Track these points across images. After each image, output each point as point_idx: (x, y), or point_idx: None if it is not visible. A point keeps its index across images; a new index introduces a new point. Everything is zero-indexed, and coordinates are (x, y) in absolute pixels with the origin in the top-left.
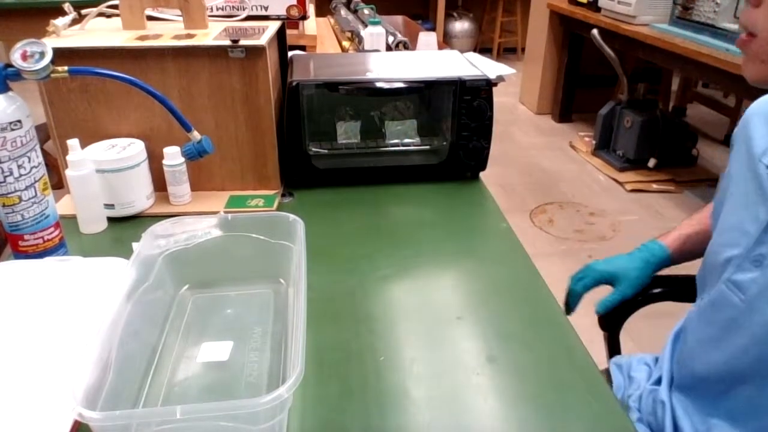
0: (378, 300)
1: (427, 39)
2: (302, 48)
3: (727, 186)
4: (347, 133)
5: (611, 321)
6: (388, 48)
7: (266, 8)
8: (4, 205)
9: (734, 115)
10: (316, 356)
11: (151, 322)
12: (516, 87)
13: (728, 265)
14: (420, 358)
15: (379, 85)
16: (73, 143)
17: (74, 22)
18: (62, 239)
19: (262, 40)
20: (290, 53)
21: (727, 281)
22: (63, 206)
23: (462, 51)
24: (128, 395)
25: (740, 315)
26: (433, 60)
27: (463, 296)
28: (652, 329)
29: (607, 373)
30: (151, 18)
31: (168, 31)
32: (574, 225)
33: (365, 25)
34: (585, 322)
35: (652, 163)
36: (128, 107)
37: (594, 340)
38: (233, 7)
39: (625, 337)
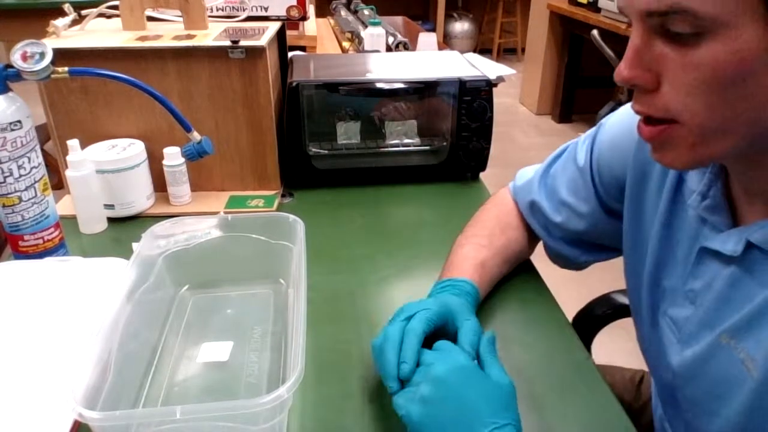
0: (378, 300)
1: (427, 40)
2: (302, 49)
3: (634, 209)
4: (347, 133)
5: (582, 332)
6: (388, 48)
7: (266, 9)
8: (4, 206)
9: None
10: (316, 357)
11: (151, 323)
12: (516, 88)
13: (663, 296)
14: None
15: (379, 85)
16: (73, 144)
17: (74, 22)
18: (62, 239)
19: (262, 41)
20: (290, 54)
21: (665, 315)
22: (63, 206)
23: (462, 52)
24: (128, 395)
25: (673, 345)
26: (433, 60)
27: None
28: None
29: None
30: (151, 19)
31: (168, 31)
32: None
33: (365, 26)
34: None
35: None
36: (128, 108)
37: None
38: (233, 7)
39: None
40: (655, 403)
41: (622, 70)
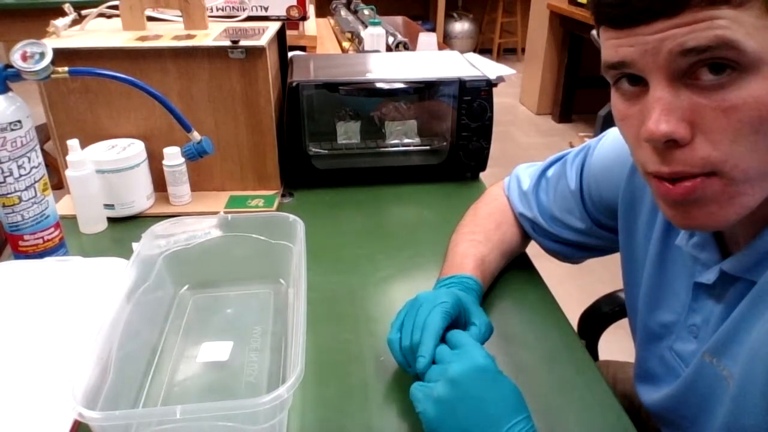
0: (378, 300)
1: (427, 39)
2: (302, 48)
3: (630, 244)
4: (347, 133)
5: (589, 330)
6: (388, 48)
7: (266, 9)
8: (4, 206)
9: None
10: (316, 356)
11: (151, 322)
12: (516, 87)
13: (666, 331)
14: None
15: (379, 85)
16: (73, 143)
17: (74, 22)
18: (62, 239)
19: (262, 41)
20: (290, 54)
21: (670, 349)
22: (63, 206)
23: (462, 52)
24: (128, 395)
25: (686, 386)
26: (433, 60)
27: None
28: None
29: None
30: (151, 18)
31: (168, 31)
32: None
33: (365, 26)
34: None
35: None
36: (128, 108)
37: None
38: (233, 7)
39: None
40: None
41: (658, 126)
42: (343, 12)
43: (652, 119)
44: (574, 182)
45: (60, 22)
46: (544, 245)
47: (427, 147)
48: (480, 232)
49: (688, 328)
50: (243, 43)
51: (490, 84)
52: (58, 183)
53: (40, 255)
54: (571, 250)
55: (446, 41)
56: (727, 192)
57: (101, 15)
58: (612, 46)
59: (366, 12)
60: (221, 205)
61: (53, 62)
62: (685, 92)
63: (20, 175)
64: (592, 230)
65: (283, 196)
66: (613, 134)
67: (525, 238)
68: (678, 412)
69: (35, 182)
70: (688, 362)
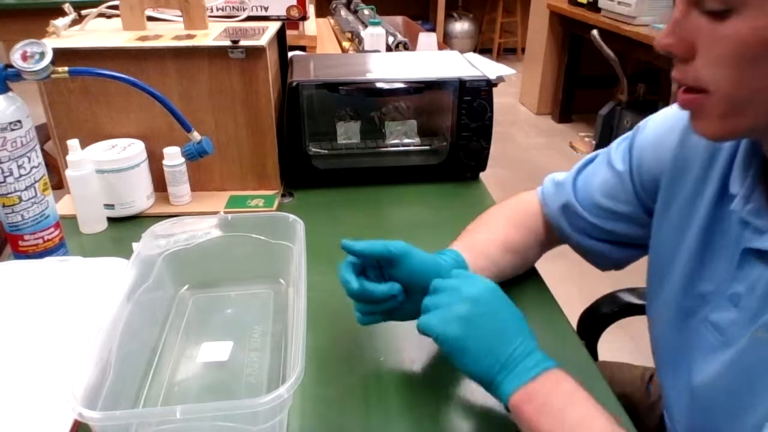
0: None
1: (427, 39)
2: (302, 48)
3: (665, 212)
4: (347, 133)
5: (588, 330)
6: (388, 48)
7: (266, 9)
8: (4, 206)
9: None
10: (316, 356)
11: (151, 322)
12: (516, 87)
13: (702, 302)
14: (420, 358)
15: (379, 85)
16: (73, 143)
17: (74, 22)
18: (62, 239)
19: (262, 41)
20: (290, 54)
21: (705, 320)
22: (63, 206)
23: (462, 51)
24: (128, 395)
25: (716, 350)
26: (433, 60)
27: None
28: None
29: None
30: (151, 18)
31: (168, 31)
32: None
33: (365, 26)
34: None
35: None
36: (128, 108)
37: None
38: (233, 7)
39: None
40: (668, 404)
41: (661, 38)
42: (343, 12)
43: (662, 32)
44: (622, 163)
45: (60, 22)
46: (581, 244)
47: (427, 147)
48: (481, 223)
49: (728, 297)
50: (243, 43)
51: (490, 84)
52: (58, 183)
53: (40, 255)
54: (611, 248)
55: (446, 41)
56: (715, 111)
57: (101, 15)
58: None
59: (366, 12)
60: (221, 205)
61: (53, 62)
62: (695, 15)
63: (20, 175)
64: (638, 215)
65: (283, 196)
66: (666, 109)
67: (538, 245)
68: (721, 397)
69: (35, 182)
70: (723, 332)
